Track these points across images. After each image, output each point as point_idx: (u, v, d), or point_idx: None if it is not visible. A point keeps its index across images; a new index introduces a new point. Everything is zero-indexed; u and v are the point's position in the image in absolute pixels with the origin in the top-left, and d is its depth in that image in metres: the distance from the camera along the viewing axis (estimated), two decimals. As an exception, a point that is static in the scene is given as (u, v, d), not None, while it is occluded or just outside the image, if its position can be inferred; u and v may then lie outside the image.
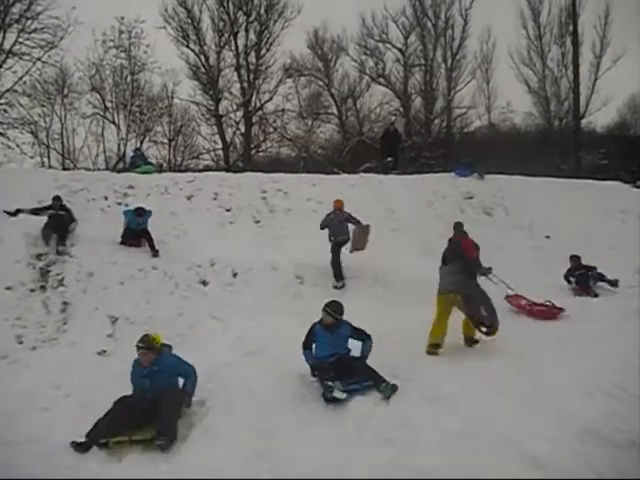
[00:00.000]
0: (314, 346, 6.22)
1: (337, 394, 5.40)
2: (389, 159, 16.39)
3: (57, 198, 10.37)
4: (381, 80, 29.42)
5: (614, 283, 10.47)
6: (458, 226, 8.61)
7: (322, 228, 10.53)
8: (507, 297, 9.37)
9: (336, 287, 10.02)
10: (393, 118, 26.20)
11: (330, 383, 5.50)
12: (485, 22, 29.27)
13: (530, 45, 28.58)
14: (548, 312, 8.71)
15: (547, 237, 13.14)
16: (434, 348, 6.89)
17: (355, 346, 6.24)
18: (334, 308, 6.26)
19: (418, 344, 7.10)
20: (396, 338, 7.44)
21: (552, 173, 18.69)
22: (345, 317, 6.25)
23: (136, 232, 10.25)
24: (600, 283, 10.54)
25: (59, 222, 9.86)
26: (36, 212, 10.15)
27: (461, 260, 7.18)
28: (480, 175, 15.41)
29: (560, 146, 27.27)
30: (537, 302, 9.04)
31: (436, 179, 15.46)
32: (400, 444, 4.59)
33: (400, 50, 29.37)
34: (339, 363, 5.94)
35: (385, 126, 18.98)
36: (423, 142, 27.75)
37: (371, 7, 29.27)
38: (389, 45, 29.38)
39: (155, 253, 10.15)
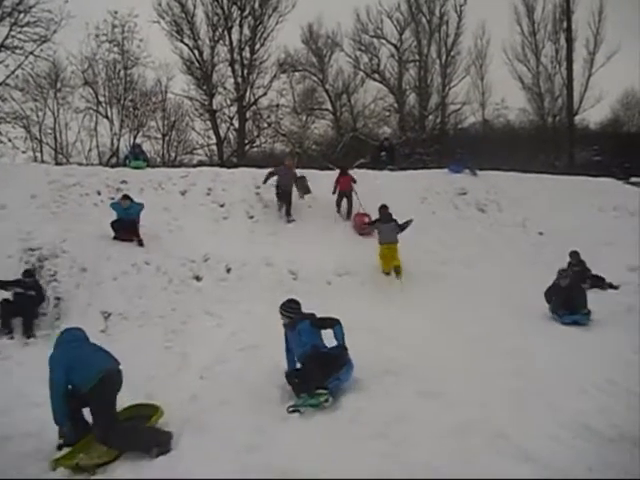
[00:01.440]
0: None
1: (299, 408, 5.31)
2: (382, 154, 16.38)
3: (29, 274, 8.55)
4: (375, 76, 29.41)
5: (614, 286, 10.28)
6: (383, 208, 11.07)
7: (269, 175, 12.55)
8: (356, 215, 12.44)
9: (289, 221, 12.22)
10: (388, 132, 26.40)
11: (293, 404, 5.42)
12: (479, 18, 29.49)
13: (524, 41, 28.79)
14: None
15: (540, 234, 13.20)
16: (387, 274, 10.36)
17: (330, 336, 6.04)
18: (284, 307, 6.13)
19: (411, 339, 7.13)
20: (387, 334, 7.44)
21: (546, 170, 18.79)
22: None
23: (126, 223, 10.14)
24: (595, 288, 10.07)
25: (26, 304, 8.14)
26: (1, 285, 8.29)
27: (393, 222, 10.69)
28: (472, 171, 15.45)
29: (554, 143, 27.42)
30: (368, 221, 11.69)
31: (430, 175, 15.49)
32: (394, 439, 4.59)
33: (395, 46, 29.39)
34: (311, 361, 5.64)
35: (380, 141, 19.11)
36: (417, 138, 27.77)
37: (366, 2, 29.22)
38: (384, 41, 29.46)
39: (140, 242, 10.14)
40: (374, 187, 13.86)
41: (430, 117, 29.74)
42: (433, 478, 3.97)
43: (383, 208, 10.98)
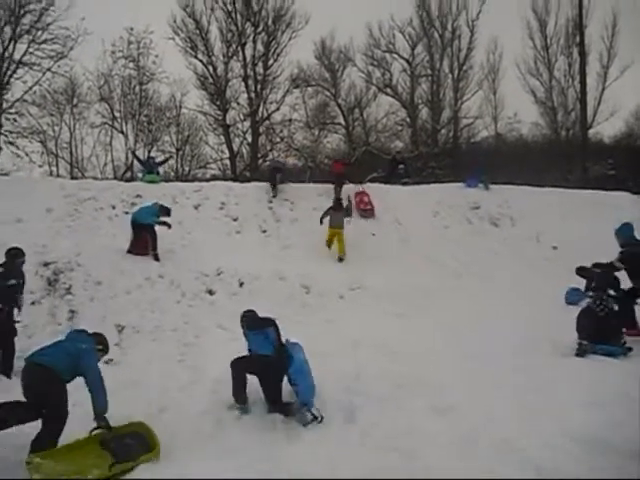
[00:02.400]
0: None
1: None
2: (401, 166, 16.46)
3: (17, 253, 7.61)
4: (388, 90, 29.51)
5: None
6: (337, 200, 12.76)
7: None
8: (357, 193, 13.64)
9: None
10: (400, 147, 26.79)
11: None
12: (492, 33, 29.41)
13: (537, 55, 28.69)
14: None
15: (554, 248, 13.11)
16: (328, 247, 11.92)
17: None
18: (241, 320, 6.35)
19: (423, 353, 7.09)
20: (400, 348, 7.40)
21: (559, 184, 18.68)
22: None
23: (143, 227, 10.30)
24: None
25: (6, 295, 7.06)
26: None
27: (344, 210, 12.31)
28: (485, 186, 15.43)
29: (567, 156, 27.24)
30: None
31: (443, 189, 15.49)
32: (404, 451, 4.57)
33: (407, 60, 29.50)
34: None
35: (393, 155, 19.29)
36: (430, 152, 27.76)
37: (378, 17, 29.46)
38: (396, 55, 29.53)
39: (155, 255, 10.24)
40: (387, 201, 13.90)
41: (442, 131, 29.73)
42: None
43: (337, 200, 12.71)
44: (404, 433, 4.88)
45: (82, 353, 5.01)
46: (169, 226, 10.61)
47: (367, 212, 13.34)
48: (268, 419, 5.49)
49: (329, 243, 12.13)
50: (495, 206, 14.59)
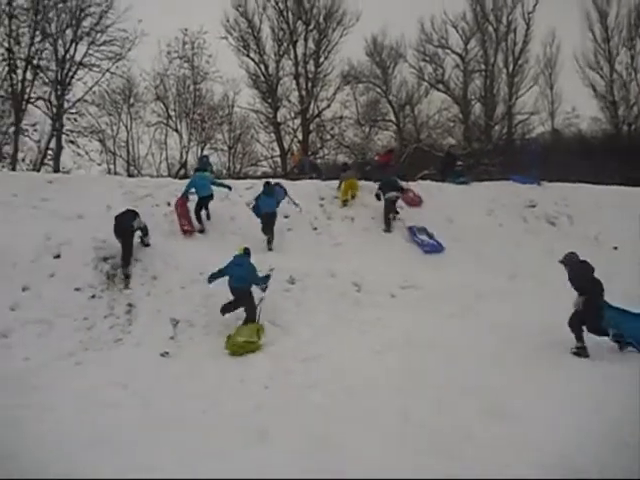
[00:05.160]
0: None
1: None
2: (459, 163, 16.10)
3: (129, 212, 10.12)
4: (440, 86, 29.05)
5: None
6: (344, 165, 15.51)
7: None
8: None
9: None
10: (453, 143, 26.24)
11: None
12: (549, 25, 28.40)
13: (597, 48, 27.57)
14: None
15: (615, 248, 12.57)
16: (345, 203, 13.13)
17: None
18: None
19: (476, 355, 6.97)
20: (452, 349, 7.30)
21: (620, 181, 17.90)
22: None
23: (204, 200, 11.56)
24: None
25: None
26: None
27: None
28: (536, 182, 14.96)
29: (629, 152, 26.08)
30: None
31: (496, 187, 15.09)
32: (456, 455, 4.50)
33: (460, 55, 28.95)
34: None
35: (447, 150, 19.01)
36: (482, 149, 27.18)
37: (430, 12, 28.93)
38: (448, 50, 29.01)
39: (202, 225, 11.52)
40: (438, 199, 13.69)
41: (496, 127, 29.05)
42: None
43: (344, 165, 15.48)
44: (457, 436, 4.81)
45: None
46: (229, 188, 12.25)
47: (414, 203, 13.46)
48: (319, 416, 5.50)
49: (343, 197, 13.16)
50: (552, 204, 14.13)
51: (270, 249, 11.08)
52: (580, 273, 7.42)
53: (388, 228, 12.41)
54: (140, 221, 10.04)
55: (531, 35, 28.37)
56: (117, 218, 9.86)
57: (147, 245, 10.27)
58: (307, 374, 6.80)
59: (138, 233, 10.06)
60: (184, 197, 11.67)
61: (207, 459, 4.71)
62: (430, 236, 12.21)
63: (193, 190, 11.68)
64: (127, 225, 9.77)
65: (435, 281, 10.35)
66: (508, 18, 28.46)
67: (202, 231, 11.49)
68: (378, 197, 12.70)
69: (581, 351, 7.06)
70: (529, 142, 26.16)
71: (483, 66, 28.83)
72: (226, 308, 8.58)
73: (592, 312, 7.13)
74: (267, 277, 8.94)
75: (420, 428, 5.07)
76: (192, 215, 11.56)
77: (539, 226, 13.39)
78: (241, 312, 8.66)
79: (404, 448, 4.72)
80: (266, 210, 11.25)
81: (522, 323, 8.54)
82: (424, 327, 8.34)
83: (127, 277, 9.60)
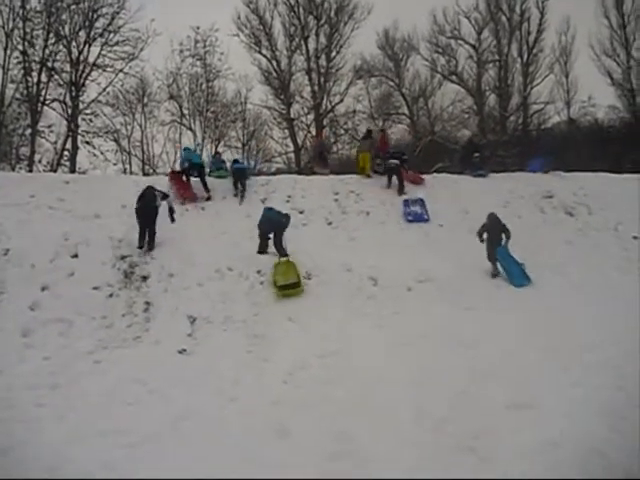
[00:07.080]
0: None
1: None
2: (476, 155, 15.81)
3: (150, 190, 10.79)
4: (453, 78, 28.73)
5: None
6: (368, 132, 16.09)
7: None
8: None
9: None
10: (468, 135, 25.94)
11: None
12: (563, 13, 27.92)
13: (613, 35, 27.03)
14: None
15: (635, 238, 12.37)
16: (363, 171, 14.42)
17: None
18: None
19: (495, 348, 6.91)
20: (470, 342, 7.24)
21: (639, 170, 17.60)
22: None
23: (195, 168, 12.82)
24: None
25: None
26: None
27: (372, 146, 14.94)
28: (542, 169, 14.86)
29: (648, 141, 25.65)
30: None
31: (512, 178, 14.94)
32: (479, 451, 4.45)
33: (473, 46, 28.60)
34: None
35: (469, 138, 18.84)
36: (498, 140, 26.88)
37: (442, 3, 28.55)
38: (461, 42, 28.63)
39: (208, 194, 12.56)
40: (455, 191, 13.58)
41: (511, 118, 28.65)
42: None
43: (368, 131, 16.07)
44: (479, 431, 4.76)
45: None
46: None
47: (416, 180, 14.17)
48: (338, 412, 5.47)
49: (360, 170, 14.41)
50: (570, 194, 13.94)
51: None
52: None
53: (388, 186, 13.71)
54: (160, 197, 10.70)
55: (545, 24, 27.93)
56: (140, 199, 10.51)
57: (173, 220, 10.79)
58: (325, 369, 6.78)
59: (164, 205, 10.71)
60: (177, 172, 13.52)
61: (227, 455, 4.72)
62: (423, 207, 12.77)
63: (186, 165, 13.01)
64: (150, 207, 10.43)
65: (451, 274, 10.25)
66: (522, 7, 28.02)
67: (209, 198, 12.59)
68: (379, 171, 14.17)
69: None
70: (545, 135, 25.93)
71: (497, 56, 28.43)
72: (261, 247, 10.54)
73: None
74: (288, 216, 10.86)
75: (439, 423, 5.03)
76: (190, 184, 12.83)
77: (557, 217, 13.22)
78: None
79: (423, 444, 4.69)
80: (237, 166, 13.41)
81: (541, 313, 8.46)
82: (442, 321, 8.28)
83: (141, 248, 10.26)
